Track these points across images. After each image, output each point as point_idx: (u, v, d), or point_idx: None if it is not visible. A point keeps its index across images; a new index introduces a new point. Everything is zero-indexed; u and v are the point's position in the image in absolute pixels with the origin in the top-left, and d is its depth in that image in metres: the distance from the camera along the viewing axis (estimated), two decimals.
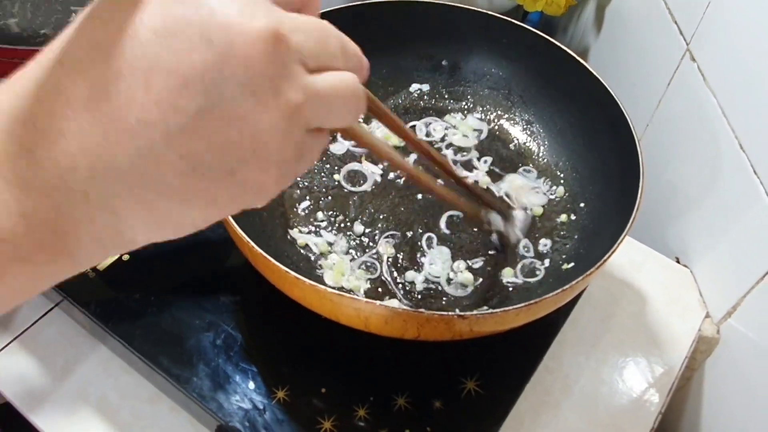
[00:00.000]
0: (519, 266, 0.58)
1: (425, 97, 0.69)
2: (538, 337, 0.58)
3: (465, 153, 0.65)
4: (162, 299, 0.58)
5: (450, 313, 0.43)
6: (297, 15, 0.24)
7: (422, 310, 0.43)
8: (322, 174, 0.64)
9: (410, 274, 0.56)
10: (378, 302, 0.43)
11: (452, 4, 0.64)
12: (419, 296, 0.55)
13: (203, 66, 0.22)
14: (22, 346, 0.63)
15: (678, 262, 0.76)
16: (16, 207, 0.22)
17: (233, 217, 0.47)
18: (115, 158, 0.22)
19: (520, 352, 0.57)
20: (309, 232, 0.59)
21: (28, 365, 0.62)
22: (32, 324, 0.65)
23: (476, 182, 0.63)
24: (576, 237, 0.57)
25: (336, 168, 0.64)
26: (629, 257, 0.73)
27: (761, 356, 0.64)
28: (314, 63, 0.24)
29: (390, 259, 0.58)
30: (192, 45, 0.21)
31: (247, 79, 0.22)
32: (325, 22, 0.26)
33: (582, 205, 0.60)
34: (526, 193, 0.62)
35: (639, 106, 0.82)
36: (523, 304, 0.44)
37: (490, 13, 0.63)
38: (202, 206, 0.24)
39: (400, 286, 0.56)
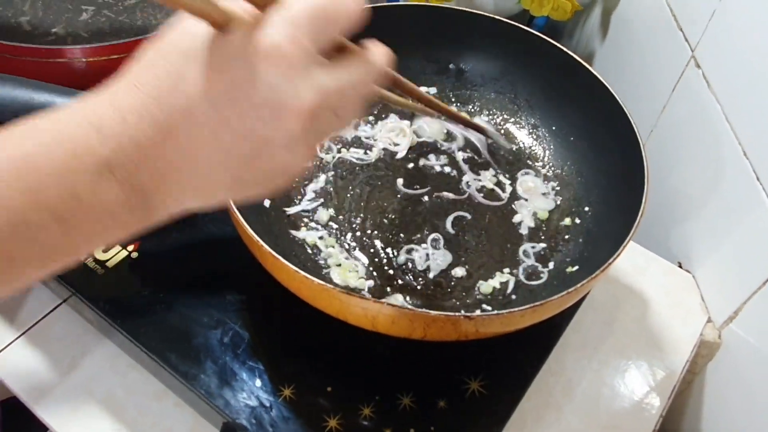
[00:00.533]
0: (521, 268, 0.58)
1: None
2: (541, 340, 0.58)
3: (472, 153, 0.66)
4: (170, 296, 0.58)
5: (457, 313, 0.43)
6: (339, 75, 0.32)
7: (429, 310, 0.44)
8: (330, 175, 0.64)
9: (415, 273, 0.57)
10: (386, 302, 0.44)
11: (459, 8, 0.65)
12: (424, 295, 0.56)
13: (258, 128, 0.30)
14: (30, 341, 0.64)
15: (680, 266, 0.76)
16: (123, 199, 0.31)
17: (243, 216, 0.48)
18: (189, 180, 0.32)
19: (524, 354, 0.57)
20: (316, 232, 0.60)
21: (36, 360, 0.63)
22: (40, 319, 0.66)
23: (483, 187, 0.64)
24: (580, 240, 0.58)
25: (345, 169, 0.65)
26: (632, 262, 0.74)
27: (762, 362, 0.64)
28: (343, 106, 0.33)
29: (396, 258, 0.58)
30: (254, 112, 0.30)
31: (286, 140, 0.31)
32: (360, 62, 0.34)
33: (587, 209, 0.60)
34: (536, 196, 0.63)
35: (643, 111, 0.83)
36: (528, 306, 0.44)
37: (496, 17, 0.63)
38: (234, 197, 0.35)
39: (405, 284, 0.56)
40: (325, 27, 0.31)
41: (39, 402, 0.61)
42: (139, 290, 0.59)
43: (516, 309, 0.44)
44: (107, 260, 0.60)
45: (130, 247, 0.61)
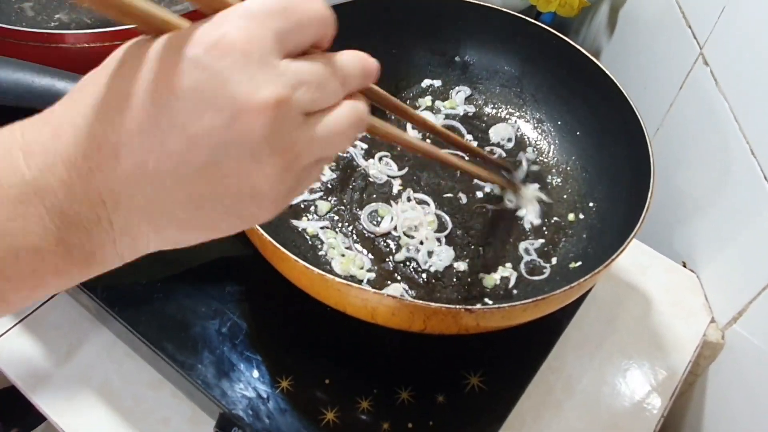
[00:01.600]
0: (523, 263, 0.58)
1: (436, 92, 0.69)
2: (542, 336, 0.58)
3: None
4: (168, 286, 0.58)
5: (457, 306, 0.43)
6: (301, 64, 0.27)
7: (430, 303, 0.43)
8: (332, 167, 0.64)
9: (416, 267, 0.56)
10: (386, 293, 0.43)
11: (467, 0, 0.64)
12: (425, 288, 0.56)
13: (211, 130, 0.25)
14: (27, 328, 0.64)
15: (685, 266, 0.75)
16: (56, 234, 0.26)
17: None
18: (134, 197, 0.26)
19: (524, 350, 0.57)
20: (317, 222, 0.59)
21: (33, 348, 0.62)
22: (38, 307, 0.65)
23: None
24: (584, 236, 0.57)
25: (349, 164, 0.64)
26: (636, 260, 0.73)
27: (765, 362, 0.64)
28: (315, 107, 0.28)
29: (397, 252, 0.58)
30: (204, 110, 0.25)
31: (247, 144, 0.26)
32: (328, 60, 0.28)
33: (591, 204, 0.59)
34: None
35: (650, 109, 0.82)
36: (529, 300, 0.44)
37: (504, 10, 0.63)
38: (205, 231, 0.29)
39: (406, 277, 0.56)
40: (289, 25, 0.26)
41: (36, 390, 0.61)
42: (137, 279, 0.58)
43: (517, 303, 0.43)
44: None
45: None
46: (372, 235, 0.58)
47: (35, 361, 0.62)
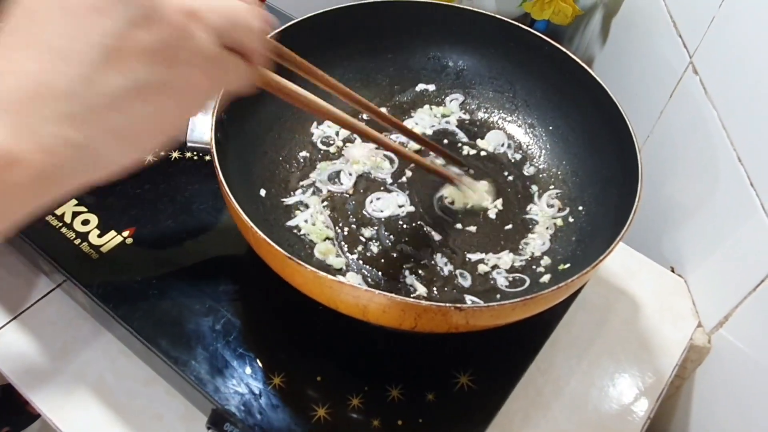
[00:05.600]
0: (516, 263, 0.59)
1: (430, 96, 0.70)
2: (531, 336, 0.59)
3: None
4: (163, 283, 0.58)
5: (447, 304, 0.44)
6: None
7: (420, 301, 0.44)
8: (322, 170, 0.64)
9: (409, 267, 0.57)
10: (377, 291, 0.44)
11: (460, 6, 0.65)
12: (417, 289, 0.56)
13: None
14: (23, 325, 0.64)
15: (673, 271, 0.77)
16: None
17: (239, 203, 0.48)
18: (54, 83, 0.26)
19: (513, 350, 0.58)
20: (308, 210, 0.60)
21: (28, 344, 0.63)
22: (33, 303, 0.66)
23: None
24: (573, 239, 0.58)
25: (340, 168, 0.65)
26: (625, 265, 0.74)
27: (751, 367, 0.65)
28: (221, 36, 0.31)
29: (386, 247, 0.58)
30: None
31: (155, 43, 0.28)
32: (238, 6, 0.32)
33: (580, 208, 0.60)
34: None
35: (641, 117, 0.83)
36: (518, 299, 0.44)
37: (498, 16, 0.64)
38: (152, 118, 0.29)
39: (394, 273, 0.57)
40: None
41: (30, 386, 0.61)
42: (132, 276, 0.59)
43: (506, 302, 0.44)
44: (102, 245, 0.60)
45: (125, 233, 0.61)
46: (363, 236, 0.59)
47: (30, 357, 0.62)
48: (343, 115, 0.49)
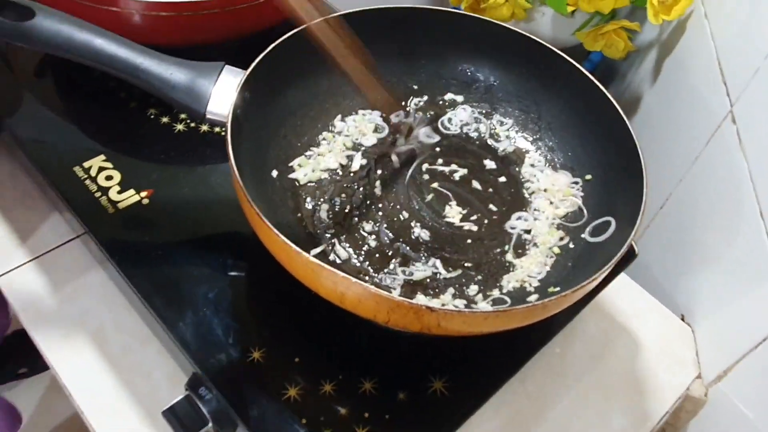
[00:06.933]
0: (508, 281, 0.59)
1: (456, 106, 0.70)
2: (511, 355, 0.58)
3: None
4: (169, 246, 0.61)
5: (419, 303, 0.44)
6: None
7: (393, 295, 0.45)
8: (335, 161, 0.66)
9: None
10: (353, 279, 0.45)
11: (497, 22, 0.66)
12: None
13: None
14: (40, 266, 0.68)
15: (683, 320, 0.75)
16: None
17: (242, 177, 0.50)
18: None
19: (491, 365, 0.58)
20: (316, 208, 0.61)
21: (41, 285, 0.66)
22: (53, 249, 0.69)
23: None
24: (569, 264, 0.58)
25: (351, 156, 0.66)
26: (633, 303, 0.73)
27: (744, 426, 0.63)
28: None
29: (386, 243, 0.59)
30: None
31: None
32: None
33: (582, 236, 0.60)
34: (561, 199, 0.63)
35: (677, 159, 0.82)
36: (491, 309, 0.45)
37: (531, 36, 0.64)
38: None
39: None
40: None
41: (35, 324, 0.64)
42: (141, 235, 0.62)
43: (478, 310, 0.45)
44: (119, 201, 0.63)
45: (143, 194, 0.64)
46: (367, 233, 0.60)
47: (40, 298, 0.66)
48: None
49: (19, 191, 0.74)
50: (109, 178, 0.65)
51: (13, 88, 0.73)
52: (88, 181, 0.64)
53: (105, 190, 0.64)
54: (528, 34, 0.65)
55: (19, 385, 1.38)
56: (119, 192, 0.64)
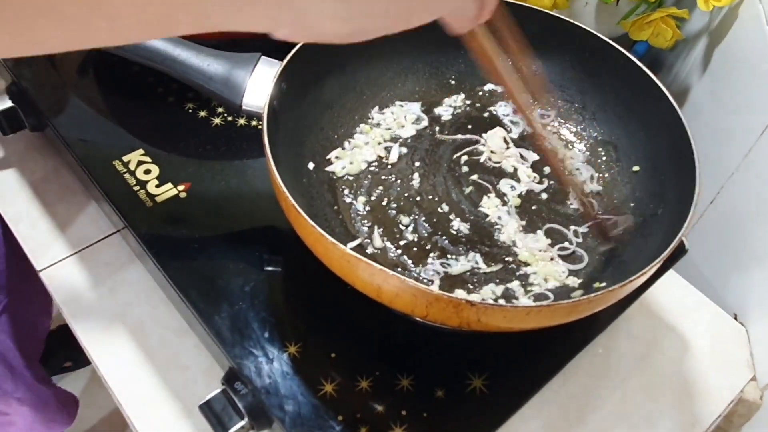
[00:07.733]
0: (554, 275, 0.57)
1: (503, 96, 0.69)
2: (554, 354, 0.57)
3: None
4: (205, 239, 0.61)
5: (459, 297, 0.43)
6: None
7: (432, 288, 0.43)
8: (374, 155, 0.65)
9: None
10: (390, 271, 0.44)
11: (540, 9, 0.64)
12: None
13: None
14: (82, 260, 0.69)
15: (736, 319, 0.72)
16: None
17: (279, 171, 0.49)
18: None
19: (534, 364, 0.56)
20: (352, 200, 0.61)
21: (83, 279, 0.67)
22: (94, 243, 0.70)
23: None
24: (616, 260, 0.56)
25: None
26: (682, 302, 0.70)
27: None
28: None
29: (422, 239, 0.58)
30: None
31: None
32: None
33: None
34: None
35: (728, 153, 0.79)
36: (533, 304, 0.43)
37: (576, 23, 0.62)
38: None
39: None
40: None
41: (76, 317, 0.65)
42: (179, 228, 0.61)
43: (520, 305, 0.43)
44: (157, 195, 0.63)
45: (181, 187, 0.64)
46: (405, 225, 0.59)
47: (81, 291, 0.67)
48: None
49: (62, 186, 0.75)
50: (147, 172, 0.65)
51: (58, 87, 0.74)
52: (127, 175, 0.64)
53: (143, 184, 0.64)
54: (573, 21, 0.63)
55: (64, 379, 1.41)
56: (157, 186, 0.64)
